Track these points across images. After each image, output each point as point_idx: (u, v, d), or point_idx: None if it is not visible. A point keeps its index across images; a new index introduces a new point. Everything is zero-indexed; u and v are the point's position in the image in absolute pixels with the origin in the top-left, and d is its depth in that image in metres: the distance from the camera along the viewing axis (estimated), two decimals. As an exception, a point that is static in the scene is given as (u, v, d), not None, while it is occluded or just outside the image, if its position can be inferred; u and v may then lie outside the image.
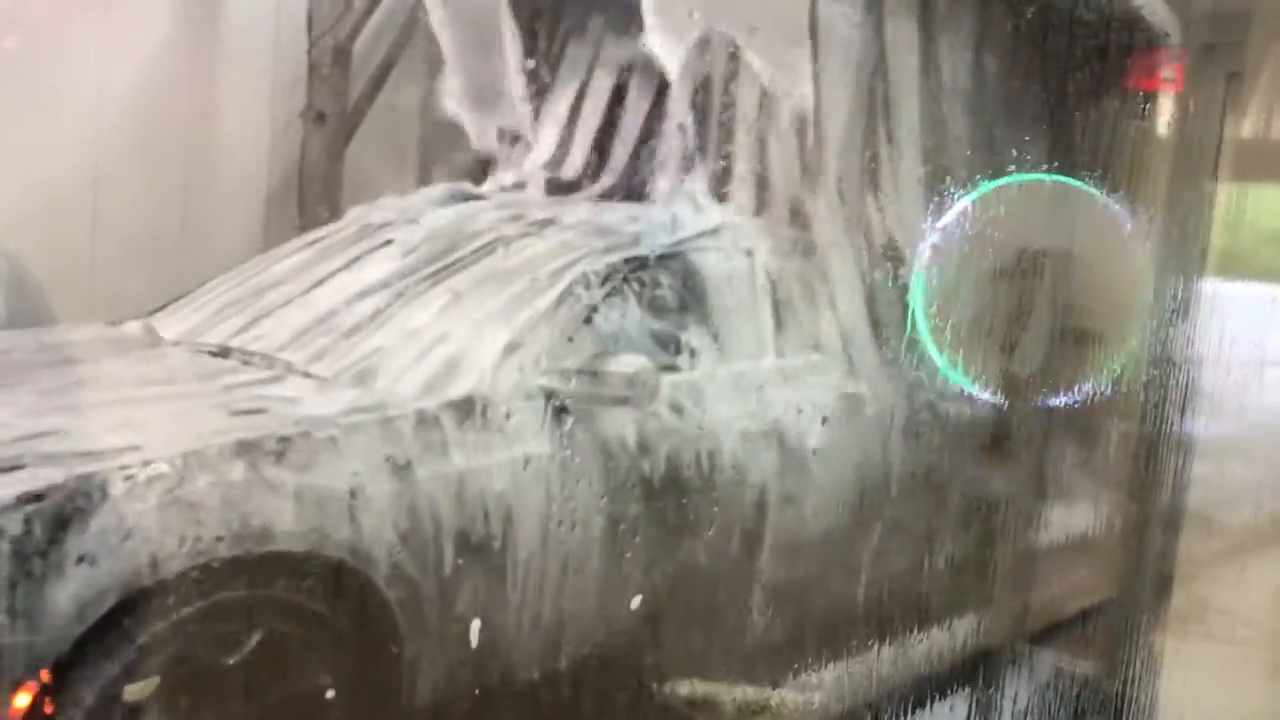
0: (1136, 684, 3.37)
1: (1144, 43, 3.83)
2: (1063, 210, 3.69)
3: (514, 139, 4.66)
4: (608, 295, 3.45)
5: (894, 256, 3.97)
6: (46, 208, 4.34)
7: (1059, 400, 3.81)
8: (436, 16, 4.61)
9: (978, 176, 3.68)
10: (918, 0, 3.86)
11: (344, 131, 5.52)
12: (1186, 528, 3.77)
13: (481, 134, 4.70)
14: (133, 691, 2.49)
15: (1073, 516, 3.94)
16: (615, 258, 3.55)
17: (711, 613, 3.60)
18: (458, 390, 3.08)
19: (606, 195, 4.44)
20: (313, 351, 3.36)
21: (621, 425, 3.30)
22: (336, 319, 3.48)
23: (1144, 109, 4.29)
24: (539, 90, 4.66)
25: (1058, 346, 3.63)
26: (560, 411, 3.20)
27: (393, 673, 2.92)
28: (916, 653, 3.70)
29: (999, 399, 3.75)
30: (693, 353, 3.60)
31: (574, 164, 4.55)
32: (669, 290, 3.63)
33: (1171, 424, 3.46)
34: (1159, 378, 3.41)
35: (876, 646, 3.60)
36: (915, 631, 3.70)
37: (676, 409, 3.45)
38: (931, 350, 3.77)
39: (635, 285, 3.56)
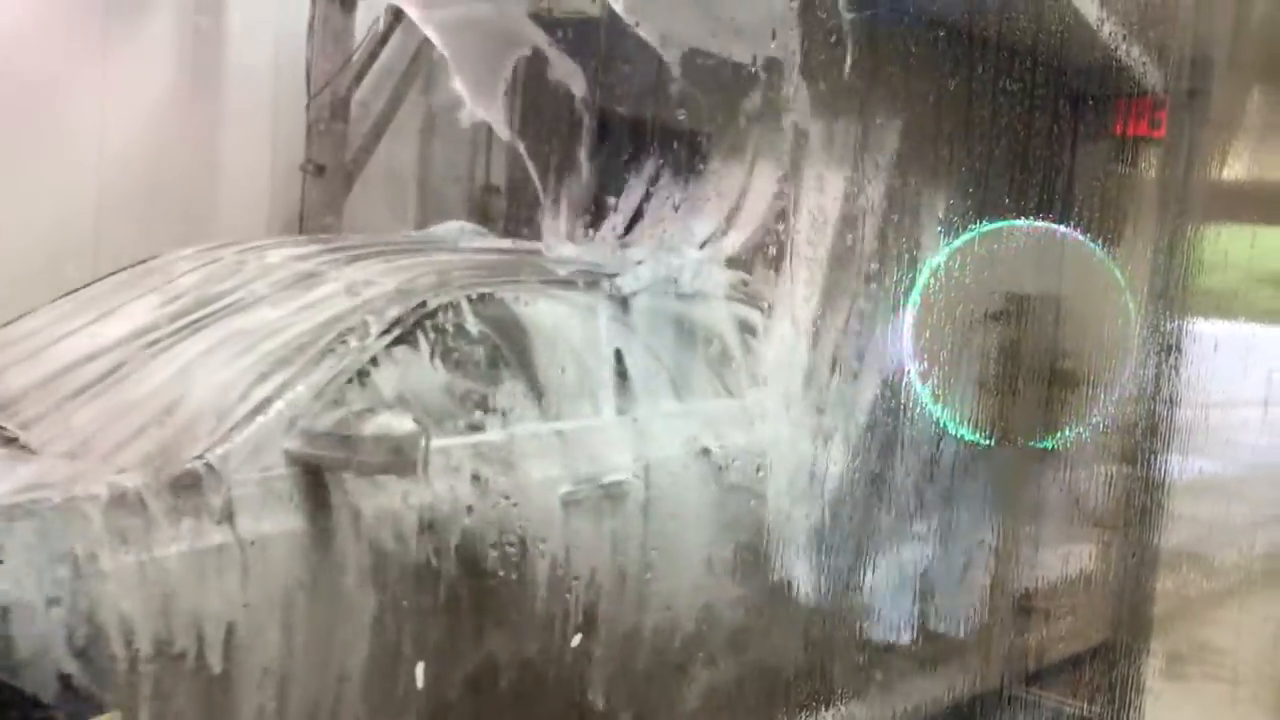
0: (1133, 726, 3.38)
1: (1128, 91, 3.89)
2: (1050, 255, 3.74)
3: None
4: (391, 346, 2.97)
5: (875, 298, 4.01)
6: (50, 261, 4.39)
7: (1046, 442, 3.85)
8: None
9: (966, 222, 3.73)
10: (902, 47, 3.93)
11: (343, 183, 5.60)
12: (1179, 567, 3.79)
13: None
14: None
15: (1063, 559, 3.96)
16: (406, 304, 3.07)
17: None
18: (176, 464, 2.59)
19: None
20: (27, 416, 2.87)
21: (391, 498, 2.81)
22: (63, 379, 2.99)
23: (1130, 154, 4.36)
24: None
25: (1044, 389, 3.67)
26: (313, 483, 2.71)
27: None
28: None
29: (986, 440, 3.80)
30: (503, 412, 3.12)
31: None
32: (478, 342, 3.17)
33: (1160, 464, 3.49)
34: (1146, 418, 3.45)
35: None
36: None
37: (476, 478, 2.97)
38: (920, 393, 3.81)
39: (430, 335, 3.08)
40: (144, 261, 3.70)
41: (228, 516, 2.57)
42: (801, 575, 3.61)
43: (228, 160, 5.23)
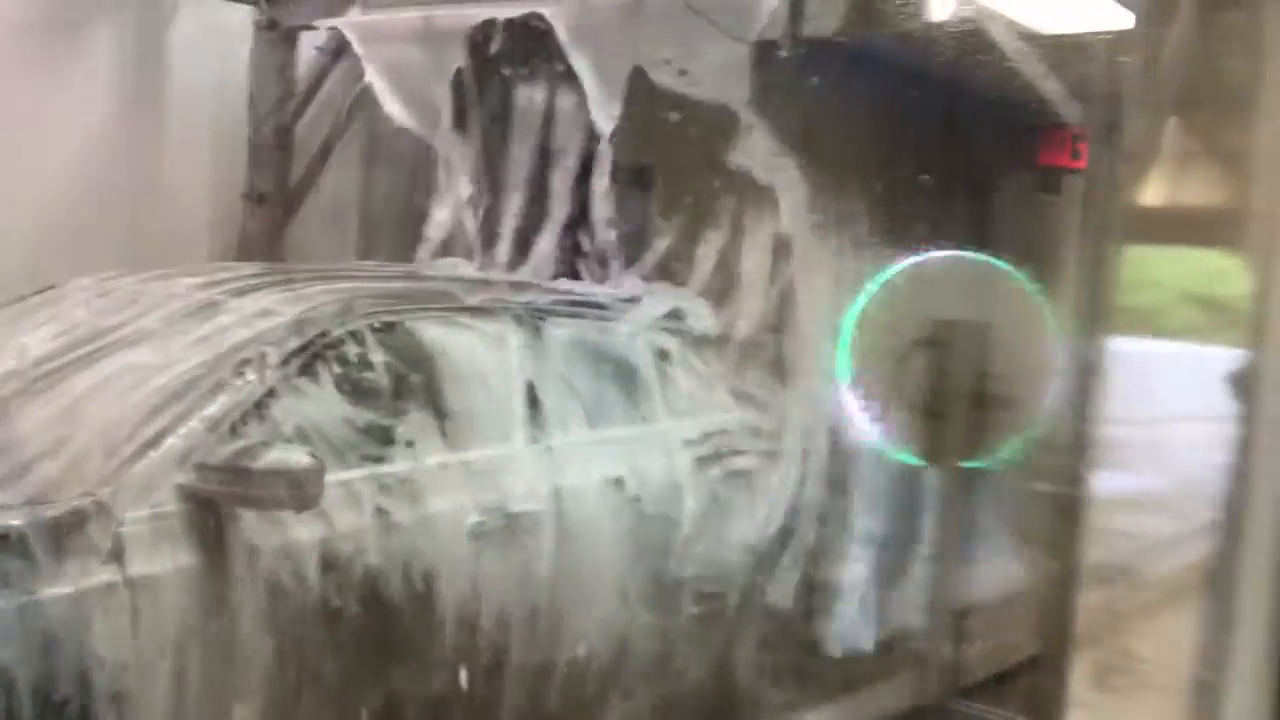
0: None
1: (1051, 124, 4.02)
2: (977, 283, 3.85)
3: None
4: (291, 377, 2.90)
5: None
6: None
7: (977, 462, 3.95)
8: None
9: (895, 253, 3.84)
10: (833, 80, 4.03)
11: (285, 212, 5.60)
12: (1106, 581, 3.90)
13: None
14: None
15: (992, 576, 4.06)
16: (306, 334, 3.00)
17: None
18: (62, 503, 2.50)
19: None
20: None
21: (290, 535, 2.73)
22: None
23: (1053, 184, 4.52)
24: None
25: (973, 411, 3.77)
26: (208, 520, 2.63)
27: None
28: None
29: (920, 461, 3.90)
30: (408, 443, 3.05)
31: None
32: (383, 372, 3.09)
33: (1086, 480, 3.59)
34: (1072, 437, 3.56)
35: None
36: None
37: (380, 511, 2.91)
38: (856, 415, 3.90)
39: (332, 366, 3.01)
40: (42, 291, 3.64)
41: (116, 556, 2.50)
42: (722, 601, 3.69)
43: (169, 186, 5.22)
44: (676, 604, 3.54)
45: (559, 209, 4.34)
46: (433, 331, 3.27)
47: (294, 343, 2.97)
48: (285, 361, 2.92)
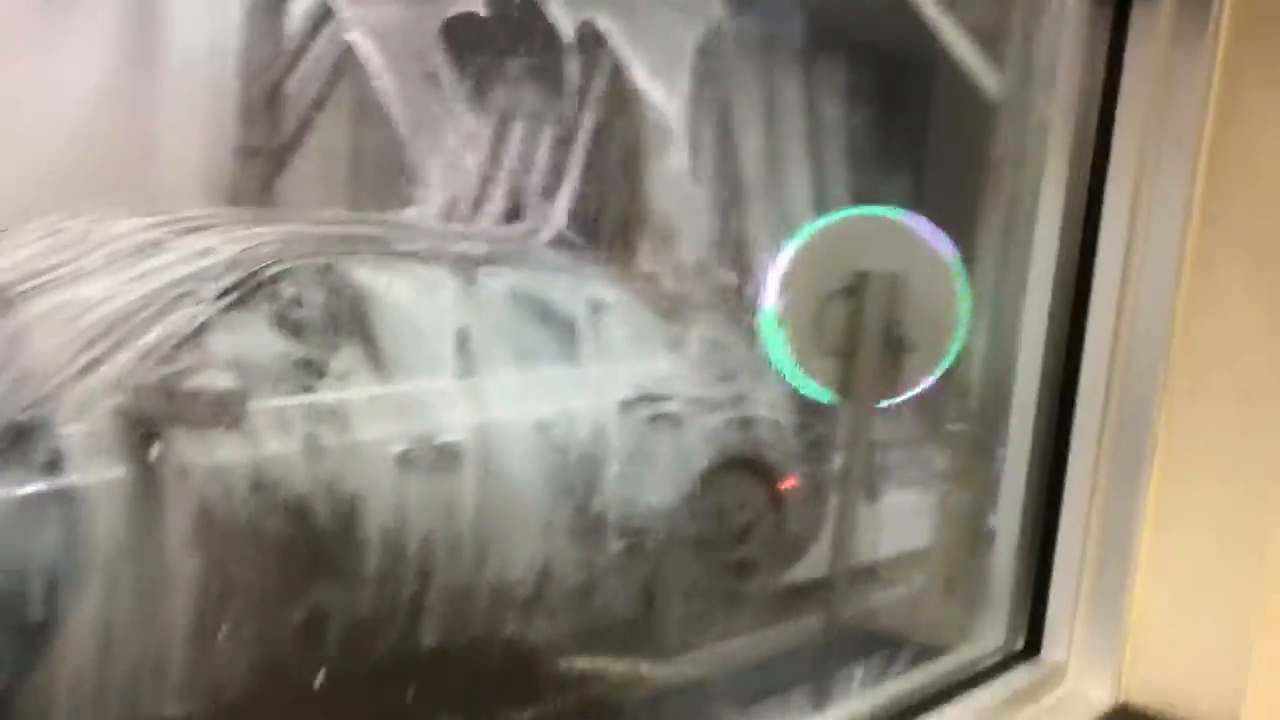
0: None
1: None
2: (893, 238, 4.07)
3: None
4: (226, 311, 3.13)
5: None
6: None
7: (888, 401, 4.19)
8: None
9: (818, 209, 4.05)
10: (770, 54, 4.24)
11: (275, 167, 5.87)
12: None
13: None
14: None
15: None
16: (242, 272, 3.22)
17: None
18: (4, 418, 2.73)
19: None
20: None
21: (220, 455, 2.94)
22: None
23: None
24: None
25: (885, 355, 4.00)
26: (140, 438, 2.84)
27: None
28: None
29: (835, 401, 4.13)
30: (341, 376, 3.29)
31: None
32: (316, 309, 3.33)
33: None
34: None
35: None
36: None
37: (310, 436, 3.12)
38: (779, 361, 4.13)
39: (267, 302, 3.24)
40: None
41: (53, 467, 2.71)
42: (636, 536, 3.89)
43: (161, 141, 5.47)
44: (599, 539, 3.76)
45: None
46: (365, 273, 3.49)
47: (229, 279, 3.18)
48: (220, 296, 3.13)
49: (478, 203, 4.57)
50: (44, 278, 3.28)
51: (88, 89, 5.20)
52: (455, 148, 4.78)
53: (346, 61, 5.61)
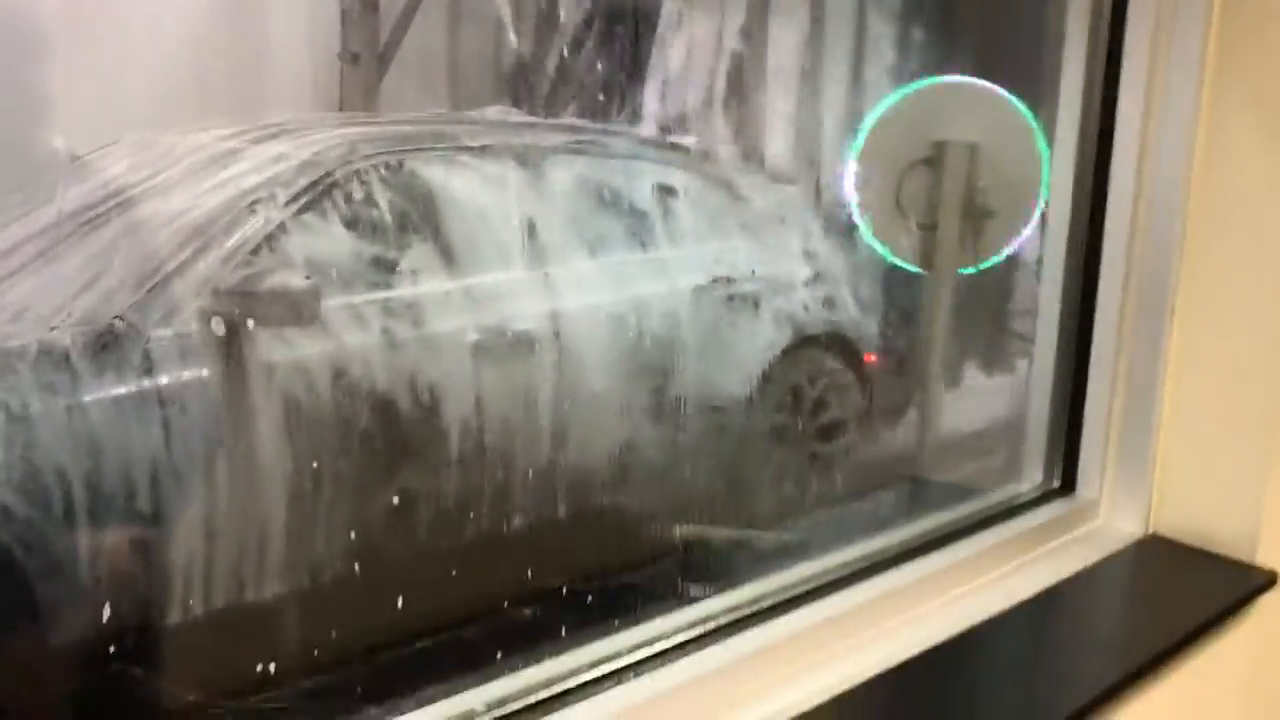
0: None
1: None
2: (968, 105, 4.04)
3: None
4: (299, 214, 3.27)
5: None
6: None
7: (973, 268, 4.20)
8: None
9: (896, 80, 4.04)
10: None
11: (377, 70, 6.03)
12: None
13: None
14: None
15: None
16: (313, 175, 3.34)
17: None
18: (99, 323, 2.89)
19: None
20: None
21: (302, 352, 3.09)
22: (8, 258, 3.23)
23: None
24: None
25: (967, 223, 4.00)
26: (225, 338, 3.01)
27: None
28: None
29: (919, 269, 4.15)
30: (412, 272, 3.40)
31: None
32: (386, 208, 3.44)
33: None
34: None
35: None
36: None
37: (385, 331, 3.26)
38: (864, 232, 4.17)
39: (338, 203, 3.36)
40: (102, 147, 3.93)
41: (146, 369, 2.87)
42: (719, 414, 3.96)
43: (271, 53, 5.67)
44: (677, 419, 3.85)
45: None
46: (433, 170, 3.59)
47: (302, 182, 3.32)
48: (293, 200, 3.28)
49: (556, 96, 4.64)
50: (134, 190, 3.45)
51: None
52: (540, 44, 4.85)
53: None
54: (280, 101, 5.59)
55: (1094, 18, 2.20)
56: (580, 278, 3.74)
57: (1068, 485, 2.30)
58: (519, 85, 4.99)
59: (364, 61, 5.91)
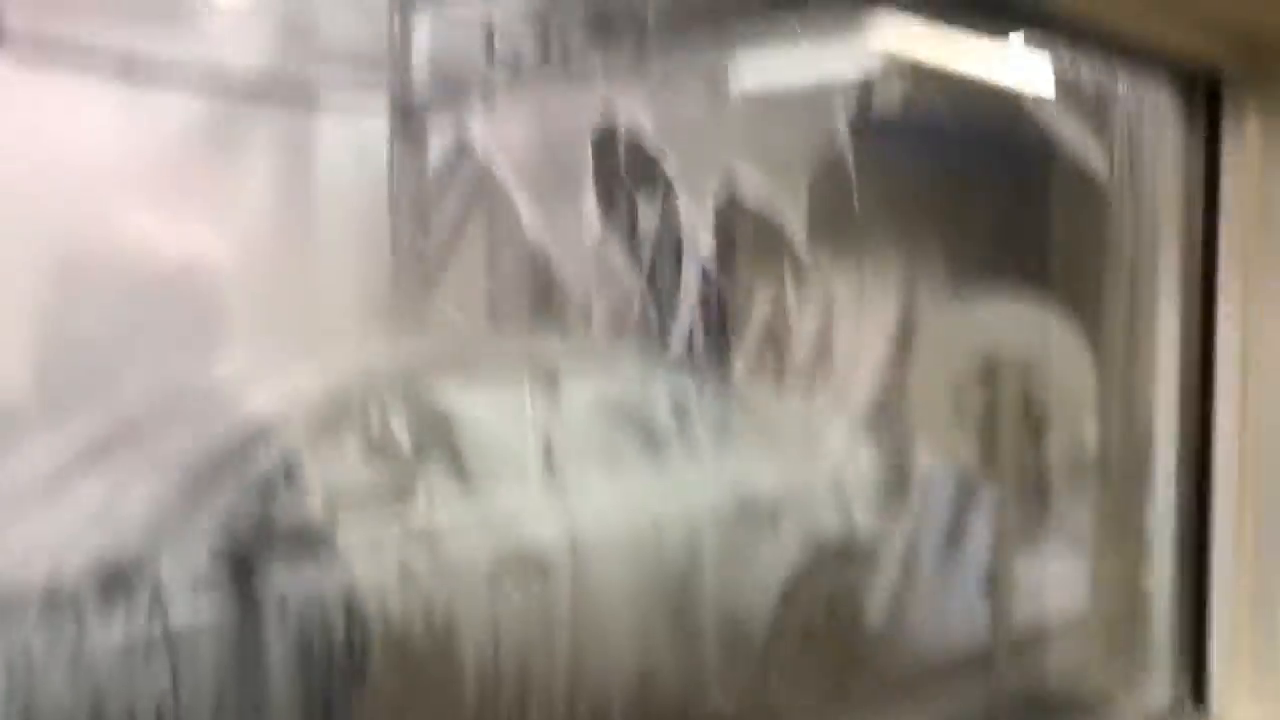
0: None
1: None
2: (1022, 321, 4.20)
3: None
4: (317, 446, 3.27)
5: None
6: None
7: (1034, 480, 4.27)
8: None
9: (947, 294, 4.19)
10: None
11: (426, 293, 6.17)
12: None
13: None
14: None
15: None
16: (331, 408, 3.36)
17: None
18: (109, 565, 2.82)
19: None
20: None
21: (315, 585, 3.02)
22: (20, 499, 3.17)
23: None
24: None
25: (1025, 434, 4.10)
26: (238, 576, 2.94)
27: None
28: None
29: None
30: (429, 495, 3.35)
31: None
32: (404, 434, 3.41)
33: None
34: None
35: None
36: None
37: (401, 561, 3.18)
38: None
39: (356, 434, 3.35)
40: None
41: (158, 611, 2.81)
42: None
43: (327, 279, 5.78)
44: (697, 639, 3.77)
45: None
46: (450, 396, 3.58)
47: (319, 416, 3.35)
48: (311, 434, 3.28)
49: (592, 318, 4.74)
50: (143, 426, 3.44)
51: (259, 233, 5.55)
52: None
53: (484, 187, 5.95)
54: (334, 327, 5.69)
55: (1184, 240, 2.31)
56: (597, 497, 3.71)
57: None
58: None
59: (414, 286, 6.07)
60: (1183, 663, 2.29)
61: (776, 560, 4.04)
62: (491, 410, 3.65)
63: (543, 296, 5.47)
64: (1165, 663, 2.31)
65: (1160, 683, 2.31)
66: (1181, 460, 2.33)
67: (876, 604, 4.28)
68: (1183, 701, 2.26)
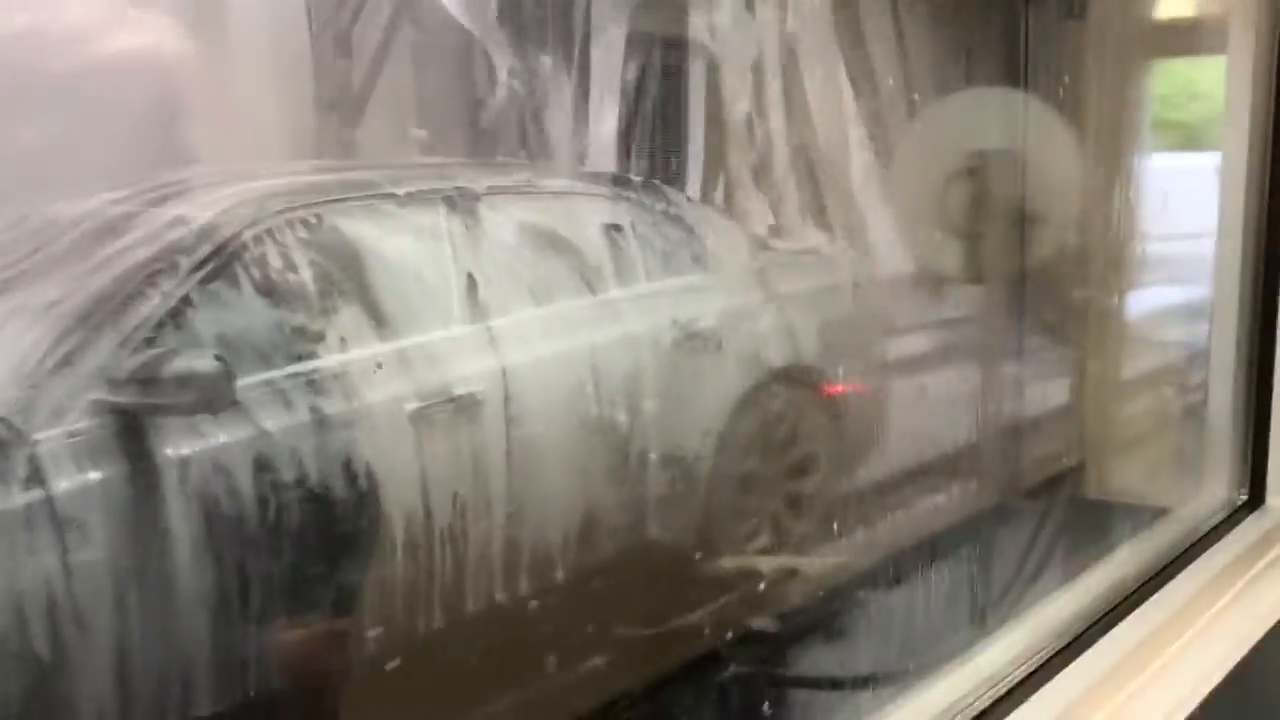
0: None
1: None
2: (1005, 114, 4.04)
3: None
4: (205, 284, 2.89)
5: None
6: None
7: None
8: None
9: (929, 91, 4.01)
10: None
11: (352, 116, 5.85)
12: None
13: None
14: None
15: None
16: (218, 239, 2.96)
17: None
18: None
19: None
20: None
21: (219, 441, 2.73)
22: None
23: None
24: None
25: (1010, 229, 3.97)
26: (128, 433, 2.62)
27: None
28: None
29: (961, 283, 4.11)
30: (340, 339, 3.04)
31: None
32: (305, 269, 3.08)
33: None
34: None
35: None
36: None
37: (314, 410, 2.90)
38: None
39: (250, 269, 2.97)
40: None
41: (36, 476, 2.52)
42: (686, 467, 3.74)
43: (247, 100, 5.45)
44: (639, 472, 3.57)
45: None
46: (356, 224, 3.26)
47: (206, 249, 2.96)
48: (197, 268, 2.92)
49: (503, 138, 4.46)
50: (16, 269, 3.00)
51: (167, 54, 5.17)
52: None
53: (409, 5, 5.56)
54: (255, 153, 5.38)
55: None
56: (523, 328, 3.51)
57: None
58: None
59: (339, 107, 5.73)
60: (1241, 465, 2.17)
61: (720, 388, 3.88)
62: (401, 243, 3.36)
63: (472, 123, 5.17)
64: (1223, 464, 2.20)
65: (1218, 483, 2.20)
66: (1245, 256, 2.17)
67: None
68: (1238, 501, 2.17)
